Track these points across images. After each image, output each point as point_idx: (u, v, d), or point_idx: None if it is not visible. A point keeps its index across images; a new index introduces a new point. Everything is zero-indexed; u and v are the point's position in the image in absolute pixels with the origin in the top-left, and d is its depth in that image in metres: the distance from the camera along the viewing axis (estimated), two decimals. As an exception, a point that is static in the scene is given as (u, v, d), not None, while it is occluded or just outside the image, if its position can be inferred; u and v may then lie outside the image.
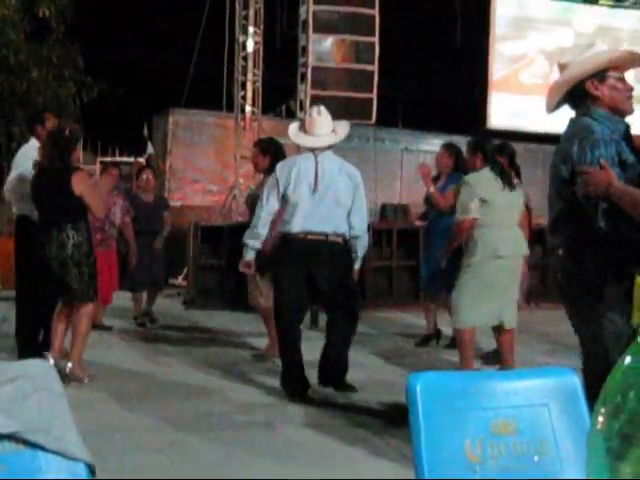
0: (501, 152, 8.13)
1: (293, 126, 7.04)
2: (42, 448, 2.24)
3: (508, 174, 7.29)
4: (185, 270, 13.68)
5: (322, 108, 6.92)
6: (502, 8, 19.08)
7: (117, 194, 9.97)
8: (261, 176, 8.49)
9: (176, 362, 8.02)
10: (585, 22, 19.41)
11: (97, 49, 18.78)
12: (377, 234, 12.50)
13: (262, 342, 8.42)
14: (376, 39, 16.10)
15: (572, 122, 4.31)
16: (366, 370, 7.66)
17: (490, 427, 2.36)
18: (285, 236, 6.68)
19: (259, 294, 8.01)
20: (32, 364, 2.42)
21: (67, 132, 7.07)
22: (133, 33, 21.07)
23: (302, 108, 15.84)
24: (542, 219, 13.75)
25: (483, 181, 7.06)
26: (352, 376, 6.87)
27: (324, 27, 15.85)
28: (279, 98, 17.55)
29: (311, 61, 15.77)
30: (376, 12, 16.09)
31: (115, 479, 4.43)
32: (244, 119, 16.40)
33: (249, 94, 16.38)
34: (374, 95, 16.02)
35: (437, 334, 9.29)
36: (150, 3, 20.35)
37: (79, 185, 6.89)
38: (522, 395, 2.45)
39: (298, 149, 8.27)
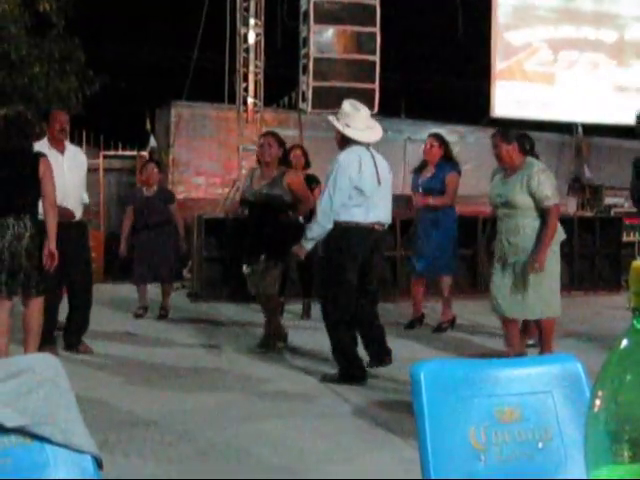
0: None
1: (334, 119, 7.00)
2: (49, 441, 2.26)
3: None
4: (190, 263, 13.70)
5: (358, 102, 7.19)
6: (504, -4, 19.05)
7: None
8: (257, 169, 8.45)
9: (182, 355, 8.03)
10: (588, 9, 19.35)
11: (98, 43, 18.78)
12: None
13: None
14: (377, 29, 16.09)
15: None
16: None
17: (494, 415, 2.37)
18: (356, 225, 6.80)
19: (274, 283, 8.05)
20: (37, 358, 2.43)
21: (29, 116, 6.95)
22: (134, 26, 21.03)
23: (304, 99, 15.83)
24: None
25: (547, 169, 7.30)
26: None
27: (325, 18, 15.83)
28: (281, 90, 17.54)
29: (312, 52, 15.75)
30: (377, 2, 16.07)
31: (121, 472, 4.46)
32: (246, 111, 16.39)
33: (251, 86, 16.37)
34: (376, 85, 16.00)
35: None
36: (151, -4, 20.35)
37: (44, 171, 6.67)
38: (526, 382, 2.46)
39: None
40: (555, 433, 2.45)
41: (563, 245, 7.80)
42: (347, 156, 6.88)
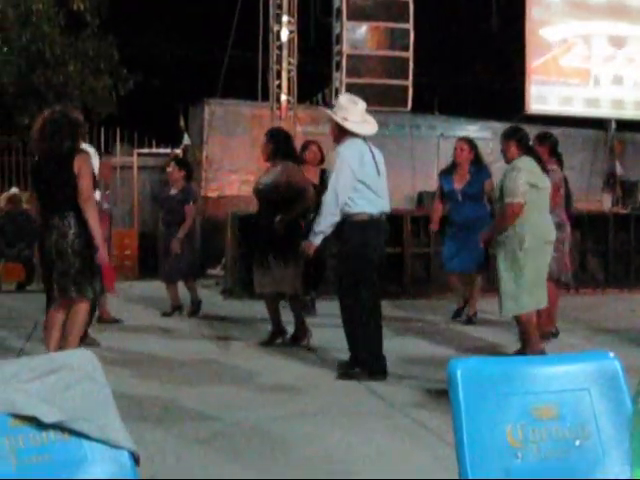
0: (543, 141, 8.37)
1: (332, 112, 7.06)
2: (86, 437, 2.27)
3: (542, 161, 7.44)
4: (223, 260, 13.73)
5: (355, 96, 7.25)
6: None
7: None
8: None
9: (216, 352, 8.05)
10: (623, 4, 19.18)
11: (132, 41, 18.86)
12: (415, 221, 12.50)
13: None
14: (411, 25, 16.04)
15: None
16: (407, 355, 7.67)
17: (531, 412, 2.35)
18: (369, 217, 6.83)
19: (295, 279, 8.09)
20: (75, 354, 2.45)
21: (74, 116, 6.92)
22: (167, 24, 21.12)
23: (337, 96, 15.82)
24: (580, 204, 13.69)
25: (530, 166, 7.21)
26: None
27: (358, 14, 15.80)
28: (314, 87, 17.54)
29: (346, 49, 15.73)
30: (410, -2, 16.03)
31: (159, 467, 4.48)
32: (279, 108, 16.39)
33: (284, 83, 16.37)
34: (409, 82, 15.96)
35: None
36: (184, -6, 20.42)
37: (79, 166, 6.63)
38: (563, 380, 2.45)
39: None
40: (592, 431, 2.43)
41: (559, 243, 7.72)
42: (348, 149, 6.93)
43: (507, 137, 7.45)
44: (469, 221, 9.34)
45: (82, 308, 6.74)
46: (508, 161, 7.39)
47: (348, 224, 6.82)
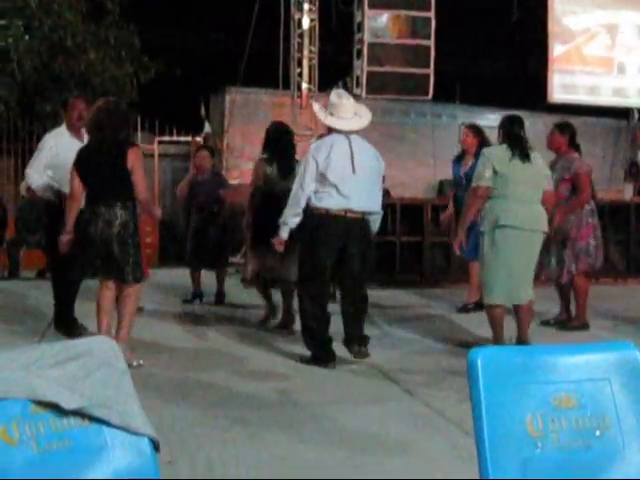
0: (563, 130, 8.39)
1: (317, 107, 7.22)
2: (106, 423, 2.28)
3: (525, 148, 7.30)
4: (244, 248, 13.73)
5: (343, 91, 7.42)
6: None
7: None
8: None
9: (236, 339, 8.06)
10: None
11: (153, 29, 18.89)
12: (435, 210, 12.49)
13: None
14: (432, 14, 16.03)
15: None
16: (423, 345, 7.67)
17: (551, 401, 2.35)
18: (325, 212, 6.83)
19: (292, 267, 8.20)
20: (96, 341, 2.46)
21: (124, 106, 7.02)
22: (188, 12, 21.12)
23: (359, 84, 15.82)
24: (601, 193, 13.63)
25: (497, 153, 7.25)
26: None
27: (379, 2, 15.80)
28: (336, 75, 17.51)
29: (367, 37, 15.74)
30: (432, -14, 15.99)
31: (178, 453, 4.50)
32: (300, 96, 16.41)
33: (305, 71, 16.39)
34: (431, 70, 15.96)
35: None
36: (205, -18, 20.39)
37: (133, 160, 6.77)
38: (583, 369, 2.44)
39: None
40: (613, 421, 2.42)
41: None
42: (318, 143, 7.09)
43: (499, 125, 7.55)
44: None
45: (136, 291, 6.94)
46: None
47: (308, 216, 6.94)
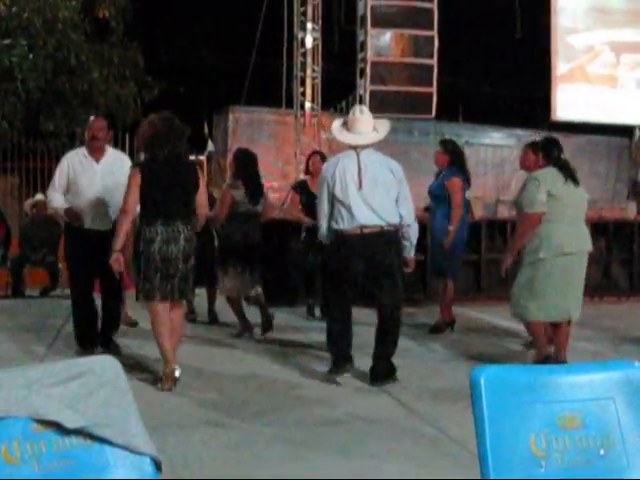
0: (535, 149, 8.46)
1: (336, 124, 7.24)
2: (108, 442, 2.27)
3: (572, 170, 7.32)
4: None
5: (364, 107, 7.35)
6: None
7: None
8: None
9: (240, 358, 8.05)
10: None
11: (157, 49, 18.95)
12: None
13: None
14: (435, 33, 16.06)
15: None
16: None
17: (555, 421, 2.34)
18: (341, 233, 6.86)
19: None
20: (98, 360, 2.45)
21: (177, 122, 6.80)
22: (192, 32, 21.20)
23: (361, 103, 15.82)
24: (604, 211, 13.64)
25: (550, 176, 7.17)
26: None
27: (382, 22, 15.84)
28: (339, 94, 17.55)
29: (370, 56, 15.76)
30: (434, 5, 16.05)
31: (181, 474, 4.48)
32: (304, 115, 16.43)
33: (308, 90, 16.41)
34: (434, 89, 15.97)
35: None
36: (208, 1, 20.46)
37: (200, 175, 6.79)
38: (588, 389, 2.43)
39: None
40: (617, 440, 2.41)
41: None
42: (327, 163, 7.25)
43: (535, 148, 7.56)
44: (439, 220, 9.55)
45: (183, 310, 7.04)
46: (529, 171, 7.53)
47: (331, 237, 7.02)
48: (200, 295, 10.12)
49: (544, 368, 2.64)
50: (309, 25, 16.23)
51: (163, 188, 6.58)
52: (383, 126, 7.11)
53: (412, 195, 7.08)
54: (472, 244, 11.30)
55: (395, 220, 6.88)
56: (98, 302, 7.99)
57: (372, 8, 15.72)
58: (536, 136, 14.38)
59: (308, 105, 16.40)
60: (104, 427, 2.27)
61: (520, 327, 8.24)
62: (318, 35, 16.42)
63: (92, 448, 2.26)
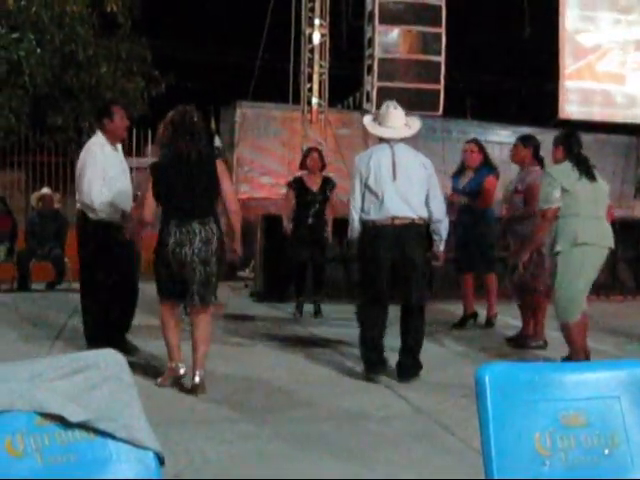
0: (525, 144, 8.56)
1: (367, 118, 7.36)
2: (112, 436, 2.27)
3: (590, 166, 7.32)
4: (252, 262, 13.73)
5: (396, 103, 7.31)
6: (572, -1, 18.79)
7: None
8: None
9: (245, 355, 8.05)
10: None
11: (164, 43, 18.94)
12: None
13: (333, 331, 8.49)
14: (443, 29, 16.04)
15: None
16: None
17: (560, 419, 2.33)
18: (372, 223, 6.89)
19: None
20: (102, 354, 2.45)
21: (196, 117, 6.53)
22: (200, 27, 21.20)
23: (369, 100, 15.83)
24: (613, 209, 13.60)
25: (564, 171, 7.18)
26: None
27: (390, 18, 15.82)
28: (345, 90, 17.54)
29: (377, 53, 15.75)
30: (442, 2, 16.02)
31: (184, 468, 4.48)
32: (311, 111, 16.43)
33: (315, 86, 16.40)
34: (441, 86, 15.96)
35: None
36: (216, -4, 20.47)
37: (222, 170, 6.47)
38: (593, 387, 2.42)
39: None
40: (622, 439, 2.40)
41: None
42: (360, 155, 7.22)
43: (555, 142, 7.51)
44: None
45: (210, 312, 6.56)
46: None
47: (361, 229, 7.01)
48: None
49: (549, 366, 2.63)
50: (317, 21, 16.21)
51: (176, 187, 6.33)
52: (415, 122, 7.25)
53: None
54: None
55: (425, 214, 6.96)
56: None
57: (380, 4, 15.71)
58: (546, 134, 14.38)
59: (315, 101, 16.40)
60: (107, 421, 2.26)
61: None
62: (326, 31, 16.41)
63: (95, 442, 2.26)
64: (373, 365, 6.93)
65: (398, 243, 6.82)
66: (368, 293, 6.96)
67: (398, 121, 7.07)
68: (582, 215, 7.09)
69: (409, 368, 6.91)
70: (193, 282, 6.33)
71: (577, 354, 7.13)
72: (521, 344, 8.51)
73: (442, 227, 7.09)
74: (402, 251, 6.84)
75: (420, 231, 6.96)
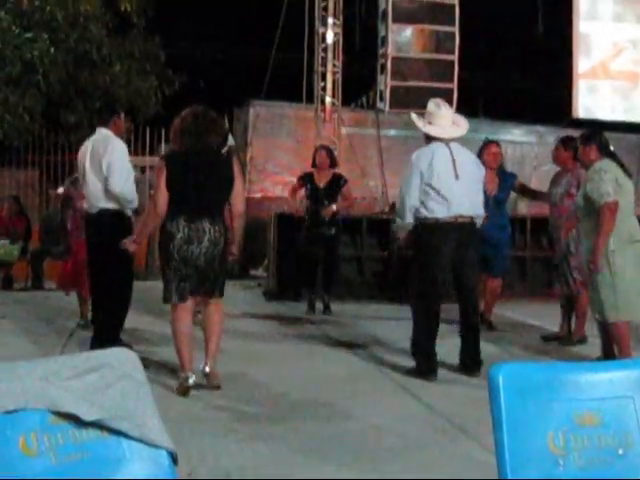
0: (566, 146, 8.46)
1: (415, 117, 7.32)
2: (125, 435, 2.27)
3: (624, 164, 7.30)
4: (265, 261, 13.73)
5: (443, 101, 7.45)
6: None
7: None
8: None
9: (257, 354, 8.05)
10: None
11: (178, 43, 18.96)
12: None
13: (347, 331, 8.48)
14: (456, 28, 15.99)
15: None
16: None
17: (574, 419, 2.32)
18: (436, 221, 6.93)
19: None
20: (115, 353, 2.45)
21: (213, 114, 6.45)
22: (213, 26, 21.19)
23: (382, 99, 15.81)
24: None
25: (613, 166, 7.09)
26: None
27: (404, 17, 15.79)
28: (359, 89, 17.51)
29: (391, 51, 15.72)
30: (456, 1, 15.98)
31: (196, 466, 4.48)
32: (324, 110, 16.40)
33: (329, 85, 16.38)
34: (454, 85, 15.91)
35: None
36: (230, -5, 20.47)
37: (237, 169, 6.45)
38: (606, 387, 2.41)
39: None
40: (636, 439, 2.39)
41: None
42: (419, 153, 7.14)
43: (586, 141, 7.39)
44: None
45: (221, 308, 6.53)
46: (587, 165, 7.31)
47: (419, 228, 7.02)
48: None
49: (563, 365, 2.62)
50: (330, 20, 16.18)
51: (188, 183, 6.21)
52: (461, 120, 7.35)
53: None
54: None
55: (481, 213, 7.18)
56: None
57: (393, 3, 15.68)
58: (559, 133, 14.33)
59: (328, 100, 16.37)
60: (120, 420, 2.27)
61: (539, 323, 8.22)
62: (339, 30, 16.38)
63: (108, 440, 2.26)
64: (429, 373, 6.90)
65: (460, 240, 6.94)
66: (426, 295, 6.98)
67: (448, 120, 7.17)
68: (630, 212, 7.03)
69: (474, 362, 7.01)
70: (206, 283, 6.32)
71: (627, 354, 6.98)
72: (565, 342, 8.52)
73: (479, 223, 7.24)
74: (464, 248, 6.97)
75: (475, 229, 7.12)
